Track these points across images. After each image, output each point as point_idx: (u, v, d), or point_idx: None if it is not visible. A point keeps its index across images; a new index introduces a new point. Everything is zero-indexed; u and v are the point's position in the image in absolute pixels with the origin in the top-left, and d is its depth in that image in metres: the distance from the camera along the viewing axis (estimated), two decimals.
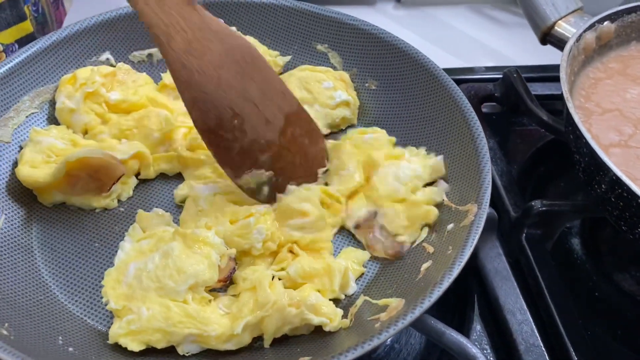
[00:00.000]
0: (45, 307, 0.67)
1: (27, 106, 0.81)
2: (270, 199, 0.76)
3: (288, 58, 0.95)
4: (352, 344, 0.57)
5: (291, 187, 0.77)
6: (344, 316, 0.66)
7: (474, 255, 0.80)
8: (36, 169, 0.76)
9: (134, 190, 0.80)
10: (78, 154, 0.74)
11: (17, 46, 1.02)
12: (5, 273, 0.68)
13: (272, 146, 0.75)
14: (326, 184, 0.80)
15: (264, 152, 0.75)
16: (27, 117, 0.81)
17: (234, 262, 0.70)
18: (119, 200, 0.79)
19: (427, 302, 0.60)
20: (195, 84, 0.69)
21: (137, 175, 0.81)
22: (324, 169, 0.81)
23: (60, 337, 0.63)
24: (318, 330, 0.65)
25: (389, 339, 0.75)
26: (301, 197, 0.75)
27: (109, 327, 0.64)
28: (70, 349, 0.62)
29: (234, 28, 0.91)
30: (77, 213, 0.77)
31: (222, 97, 0.70)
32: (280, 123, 0.76)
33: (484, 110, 1.06)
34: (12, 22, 1.00)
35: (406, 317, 0.59)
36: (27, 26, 1.02)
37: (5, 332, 0.58)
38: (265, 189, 0.76)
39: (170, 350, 0.64)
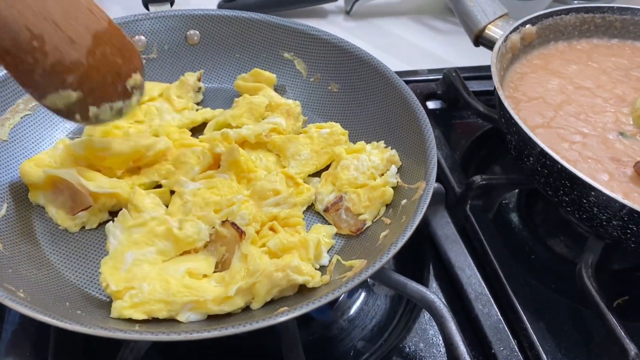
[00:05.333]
0: (50, 280, 0.72)
1: (21, 108, 0.86)
2: (85, 119, 0.73)
3: None
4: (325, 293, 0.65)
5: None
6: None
7: (427, 225, 0.90)
8: (37, 167, 0.80)
9: None
10: (58, 171, 0.78)
11: None
12: (11, 250, 0.74)
13: (79, 66, 0.69)
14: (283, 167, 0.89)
15: (70, 73, 0.68)
16: (21, 118, 0.86)
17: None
18: (82, 228, 0.81)
19: (385, 257, 0.67)
20: None
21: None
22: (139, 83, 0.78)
23: (67, 303, 0.68)
24: (301, 289, 0.72)
25: (359, 302, 0.86)
26: (270, 180, 0.83)
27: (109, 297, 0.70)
28: (78, 311, 0.67)
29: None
30: None
31: (16, 16, 0.63)
32: (87, 42, 0.69)
33: (429, 106, 1.16)
34: None
35: (368, 270, 0.66)
36: None
37: (22, 295, 0.63)
38: (76, 110, 0.72)
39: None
